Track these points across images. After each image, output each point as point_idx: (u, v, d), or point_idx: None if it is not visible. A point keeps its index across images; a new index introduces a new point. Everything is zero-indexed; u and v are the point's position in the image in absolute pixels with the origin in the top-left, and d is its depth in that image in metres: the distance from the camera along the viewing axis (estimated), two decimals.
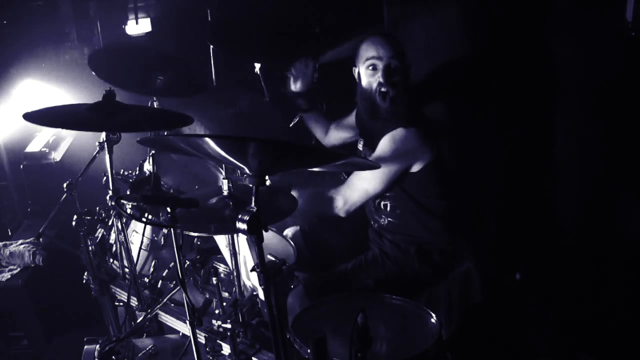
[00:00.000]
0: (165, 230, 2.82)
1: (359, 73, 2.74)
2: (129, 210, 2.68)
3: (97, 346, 2.46)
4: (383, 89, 2.63)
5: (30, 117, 2.30)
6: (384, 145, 2.63)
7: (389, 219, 2.77)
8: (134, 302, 2.74)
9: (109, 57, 3.15)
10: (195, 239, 2.79)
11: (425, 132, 2.63)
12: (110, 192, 2.57)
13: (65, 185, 2.68)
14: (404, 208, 2.73)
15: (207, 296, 2.63)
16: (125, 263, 2.73)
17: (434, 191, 2.73)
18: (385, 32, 3.05)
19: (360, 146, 2.93)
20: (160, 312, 2.71)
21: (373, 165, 2.12)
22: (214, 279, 2.37)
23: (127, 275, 2.77)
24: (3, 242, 3.52)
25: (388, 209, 2.76)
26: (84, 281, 2.87)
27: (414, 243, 2.73)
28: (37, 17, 4.31)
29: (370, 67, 2.66)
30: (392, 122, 2.64)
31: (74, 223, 2.69)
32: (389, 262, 2.75)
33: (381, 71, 2.63)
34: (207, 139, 1.62)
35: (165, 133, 2.89)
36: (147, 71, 2.99)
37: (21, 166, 3.88)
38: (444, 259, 2.74)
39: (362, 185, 2.68)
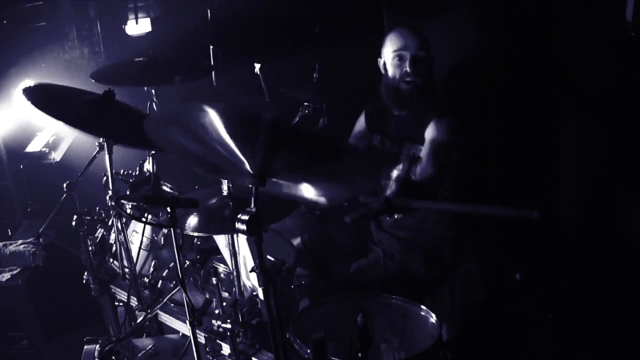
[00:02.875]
0: (165, 230, 2.82)
1: (384, 63, 2.77)
2: (129, 210, 2.68)
3: (97, 346, 2.45)
4: (409, 79, 2.67)
5: (28, 93, 2.31)
6: (432, 131, 2.63)
7: (405, 214, 2.77)
8: (134, 302, 2.74)
9: (111, 71, 3.17)
10: (195, 239, 2.78)
11: (458, 124, 2.65)
12: (110, 192, 2.57)
13: (65, 185, 2.68)
14: None
15: (207, 296, 2.63)
16: (125, 263, 2.73)
17: (456, 189, 2.75)
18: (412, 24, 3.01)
19: (376, 142, 2.90)
20: (160, 312, 2.71)
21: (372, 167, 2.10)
22: (214, 279, 2.37)
23: (127, 275, 2.76)
24: (3, 242, 3.52)
25: None
26: (84, 281, 2.87)
27: (422, 242, 2.73)
28: (37, 17, 4.31)
29: (397, 58, 2.70)
30: (420, 111, 2.68)
31: (74, 223, 2.69)
32: (391, 262, 2.75)
33: (408, 62, 2.67)
34: (215, 117, 1.60)
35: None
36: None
37: (21, 166, 3.88)
38: (449, 260, 2.74)
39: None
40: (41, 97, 2.45)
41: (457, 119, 2.66)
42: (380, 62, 2.81)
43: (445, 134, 2.62)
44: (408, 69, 2.67)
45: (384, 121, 2.87)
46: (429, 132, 2.66)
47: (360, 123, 3.04)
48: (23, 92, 2.39)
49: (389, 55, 2.74)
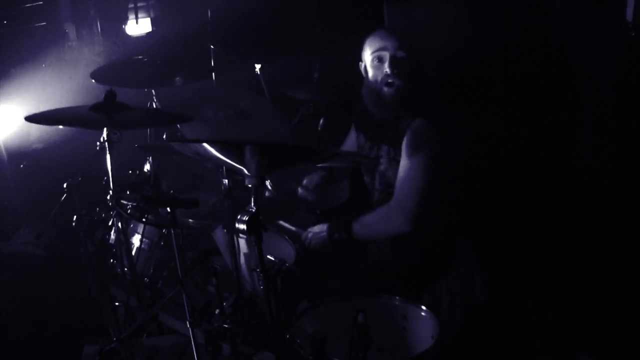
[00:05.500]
0: (165, 230, 2.82)
1: (365, 67, 2.73)
2: (129, 210, 2.69)
3: (97, 346, 2.46)
4: (390, 80, 2.61)
5: (32, 119, 2.31)
6: (410, 139, 2.57)
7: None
8: (134, 302, 2.74)
9: (111, 71, 3.18)
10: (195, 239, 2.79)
11: (440, 123, 2.59)
12: (110, 192, 2.57)
13: (65, 185, 2.68)
14: None
15: (207, 296, 2.63)
16: (125, 263, 2.73)
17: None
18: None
19: (361, 142, 2.86)
20: (160, 312, 2.71)
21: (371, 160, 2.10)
22: (214, 279, 2.37)
23: (127, 275, 2.77)
24: (3, 242, 3.52)
25: None
26: (84, 281, 2.87)
27: (416, 244, 2.72)
28: (37, 17, 4.31)
29: (376, 60, 2.64)
30: (401, 112, 2.62)
31: (74, 223, 2.69)
32: (385, 262, 2.75)
33: (387, 62, 2.61)
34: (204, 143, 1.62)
35: (164, 136, 2.89)
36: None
37: (21, 166, 3.88)
38: (443, 259, 2.74)
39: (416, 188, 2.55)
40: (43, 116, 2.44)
41: (439, 124, 2.58)
42: (362, 65, 2.75)
43: (422, 140, 2.53)
44: (388, 70, 2.61)
45: (367, 122, 2.85)
46: (405, 140, 2.58)
47: (352, 130, 3.04)
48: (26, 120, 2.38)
49: (368, 57, 2.68)
